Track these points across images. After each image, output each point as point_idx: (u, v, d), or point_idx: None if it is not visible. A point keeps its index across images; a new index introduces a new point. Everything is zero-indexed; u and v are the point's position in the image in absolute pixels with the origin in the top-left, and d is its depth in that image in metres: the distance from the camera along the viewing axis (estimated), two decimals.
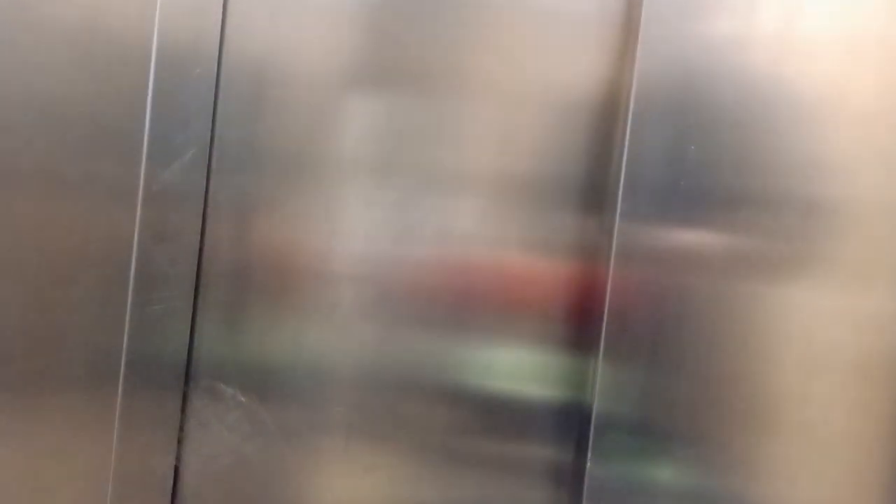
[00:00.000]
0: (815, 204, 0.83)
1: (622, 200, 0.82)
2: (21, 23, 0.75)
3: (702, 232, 0.83)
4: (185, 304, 0.81)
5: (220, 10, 0.79)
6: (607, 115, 0.85)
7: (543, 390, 0.86)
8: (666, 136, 0.82)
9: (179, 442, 0.82)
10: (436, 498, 0.86)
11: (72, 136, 0.77)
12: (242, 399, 0.83)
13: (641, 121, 0.82)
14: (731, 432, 0.84)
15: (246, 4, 0.81)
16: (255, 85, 0.82)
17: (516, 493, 0.87)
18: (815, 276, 0.84)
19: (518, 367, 0.86)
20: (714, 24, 0.82)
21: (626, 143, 0.82)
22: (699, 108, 0.82)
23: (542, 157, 0.85)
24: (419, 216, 0.84)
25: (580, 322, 0.86)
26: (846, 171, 0.83)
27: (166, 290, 0.80)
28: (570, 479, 0.86)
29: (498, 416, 0.86)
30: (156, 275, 0.80)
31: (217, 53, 0.80)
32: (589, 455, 0.83)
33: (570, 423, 0.86)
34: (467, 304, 0.85)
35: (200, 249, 0.81)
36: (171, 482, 0.82)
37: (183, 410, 0.82)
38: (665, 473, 0.84)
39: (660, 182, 0.82)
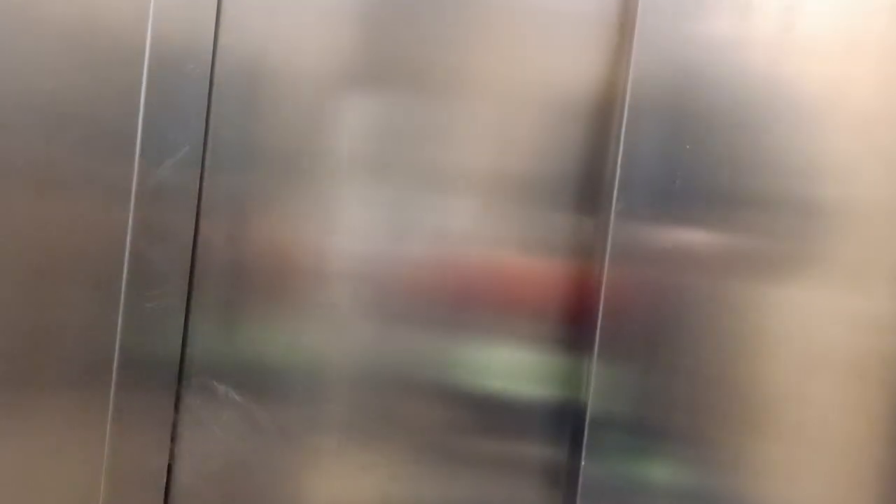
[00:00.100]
0: (812, 204, 0.83)
1: (617, 200, 0.82)
2: (14, 20, 0.75)
3: (697, 231, 0.83)
4: (178, 301, 0.81)
5: (215, 6, 0.79)
6: (603, 114, 0.85)
7: (538, 389, 0.86)
8: (661, 135, 0.82)
9: (173, 440, 0.82)
10: (431, 497, 0.86)
11: (65, 133, 0.77)
12: (236, 397, 0.83)
13: (637, 120, 0.82)
14: (726, 432, 0.84)
15: (240, 1, 0.80)
16: (249, 82, 0.81)
17: (511, 492, 0.87)
18: (811, 277, 0.84)
19: (513, 367, 0.86)
20: (710, 23, 0.82)
21: (622, 142, 0.82)
22: (695, 108, 0.82)
23: (537, 156, 0.85)
24: (414, 215, 0.84)
25: (575, 321, 0.86)
26: (843, 170, 0.83)
27: (160, 287, 0.80)
28: (565, 478, 0.86)
29: (493, 415, 0.86)
30: (149, 272, 0.79)
31: (211, 50, 0.79)
32: (583, 454, 0.83)
33: (565, 422, 0.86)
34: (463, 304, 0.85)
35: (194, 247, 0.81)
36: (165, 481, 0.82)
37: (176, 409, 0.82)
38: (660, 473, 0.84)
39: (655, 181, 0.82)
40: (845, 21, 0.83)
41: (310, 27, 0.82)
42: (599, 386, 0.83)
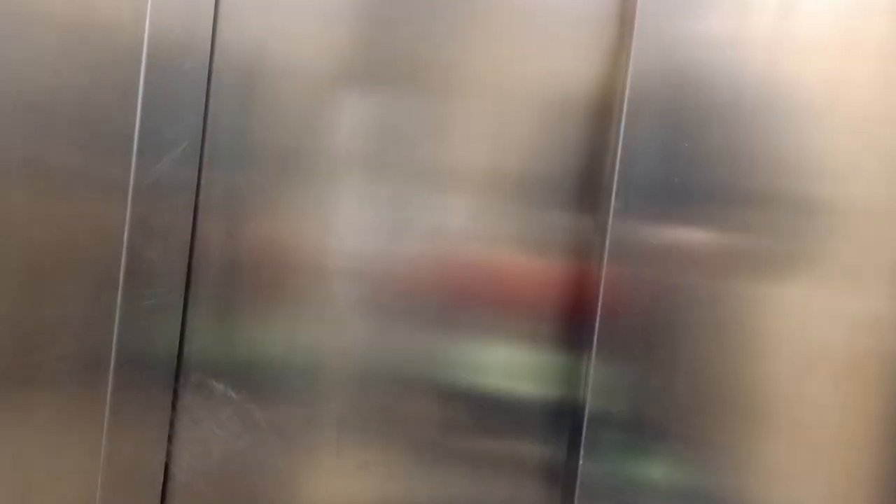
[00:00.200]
0: (811, 203, 0.83)
1: (616, 198, 0.82)
2: (11, 16, 0.74)
3: (695, 230, 0.83)
4: (176, 299, 0.80)
5: (212, 3, 0.79)
6: (601, 112, 0.85)
7: (536, 388, 0.86)
8: (660, 133, 0.82)
9: (170, 439, 0.82)
10: (429, 496, 0.86)
11: (62, 130, 0.76)
12: (234, 395, 0.83)
13: (635, 118, 0.82)
14: (724, 431, 0.84)
15: None
16: (246, 79, 0.81)
17: (509, 490, 0.87)
18: (808, 276, 0.84)
19: (511, 365, 0.86)
20: (709, 21, 0.82)
21: (620, 140, 0.82)
22: (693, 106, 0.82)
23: (536, 154, 0.85)
24: (411, 213, 0.84)
25: (573, 320, 0.86)
26: (842, 169, 0.83)
27: (157, 285, 0.80)
28: (563, 476, 0.86)
29: (491, 413, 0.86)
30: (146, 270, 0.79)
31: (209, 47, 0.79)
32: (582, 453, 0.83)
33: (563, 420, 0.86)
34: (461, 302, 0.85)
35: (192, 244, 0.81)
36: (162, 479, 0.82)
37: (174, 407, 0.82)
38: (658, 471, 0.84)
39: (653, 180, 0.82)
40: (843, 20, 0.83)
41: (308, 24, 0.82)
42: (598, 385, 0.83)
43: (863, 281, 0.84)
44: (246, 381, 0.83)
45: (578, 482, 0.83)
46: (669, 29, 0.82)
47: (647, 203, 0.82)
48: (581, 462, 0.83)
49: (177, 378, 0.82)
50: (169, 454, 0.82)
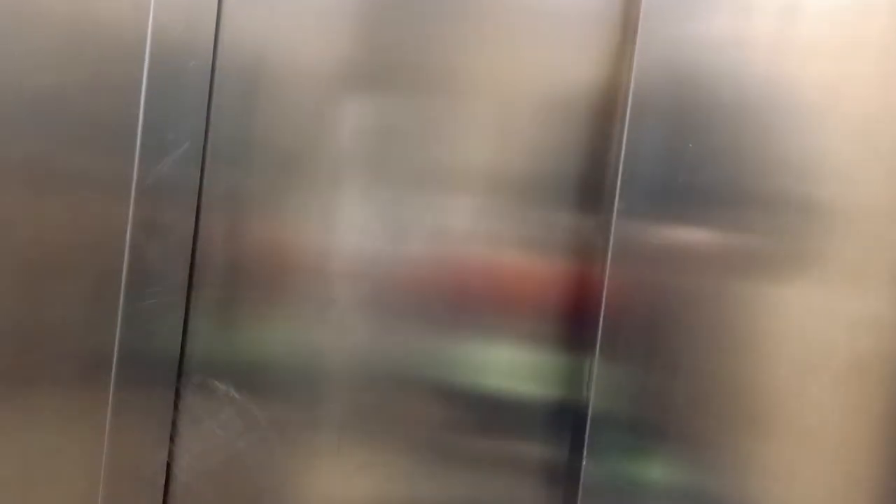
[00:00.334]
0: (813, 203, 0.83)
1: (619, 199, 0.82)
2: (13, 14, 0.74)
3: (699, 231, 0.83)
4: (177, 299, 0.80)
5: (216, 2, 0.79)
6: (605, 112, 0.85)
7: (539, 388, 0.86)
8: (663, 134, 0.82)
9: (172, 439, 0.82)
10: (431, 496, 0.86)
11: (64, 129, 0.76)
12: (235, 396, 0.83)
13: (639, 119, 0.82)
14: (727, 431, 0.84)
15: None
16: (250, 79, 0.81)
17: (512, 491, 0.87)
18: (811, 276, 0.84)
19: (514, 366, 0.86)
20: (712, 22, 0.82)
21: (624, 141, 0.82)
22: (697, 107, 0.82)
23: (539, 155, 0.85)
24: (415, 213, 0.84)
25: (577, 320, 0.86)
26: (843, 170, 0.83)
27: (159, 285, 0.79)
28: (566, 477, 0.86)
29: (494, 414, 0.86)
30: (149, 270, 0.79)
31: (212, 47, 0.79)
32: (585, 453, 0.83)
33: (566, 421, 0.86)
34: (463, 302, 0.85)
35: (194, 244, 0.81)
36: (164, 479, 0.82)
37: (175, 407, 0.82)
38: (660, 472, 0.84)
39: (657, 180, 0.82)
40: (846, 21, 0.83)
41: (311, 24, 0.81)
42: (601, 385, 0.83)
43: (865, 281, 0.84)
44: (248, 381, 0.83)
45: (581, 482, 0.83)
46: (673, 30, 0.82)
47: (651, 203, 0.82)
48: (584, 462, 0.83)
49: (179, 378, 0.81)
50: (171, 454, 0.82)
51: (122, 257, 0.78)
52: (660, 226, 0.83)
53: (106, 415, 0.79)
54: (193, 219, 0.80)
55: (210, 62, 0.79)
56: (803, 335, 0.84)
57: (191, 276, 0.81)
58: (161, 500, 0.82)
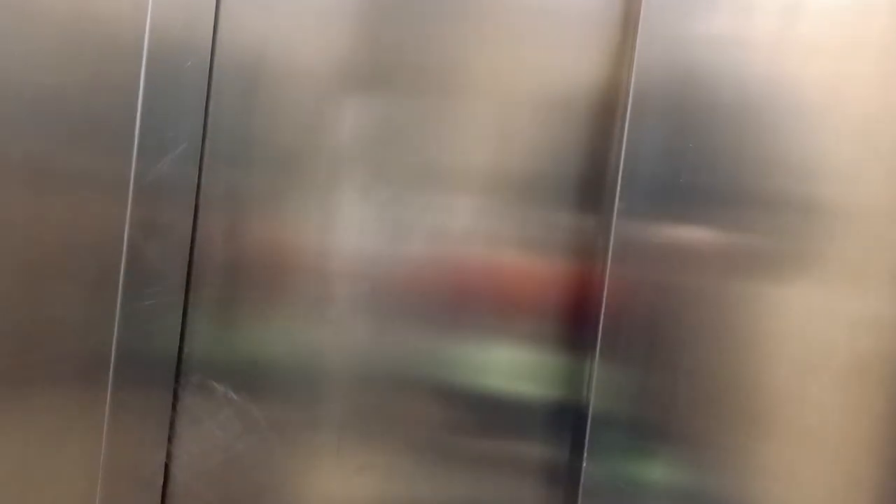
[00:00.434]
0: (813, 203, 0.83)
1: (620, 199, 0.82)
2: (10, 13, 0.74)
3: (699, 231, 0.83)
4: (176, 299, 0.80)
5: (214, 1, 0.78)
6: (605, 112, 0.84)
7: (540, 389, 0.86)
8: (664, 133, 0.82)
9: (170, 439, 0.82)
10: (431, 497, 0.86)
11: (62, 128, 0.76)
12: (234, 396, 0.83)
13: (640, 118, 0.82)
14: (728, 432, 0.84)
15: None
16: (248, 78, 0.81)
17: (512, 492, 0.87)
18: (812, 276, 0.84)
19: (514, 366, 0.86)
20: (713, 22, 0.82)
21: (624, 140, 0.82)
22: (698, 107, 0.82)
23: (539, 154, 0.85)
24: (414, 213, 0.84)
25: (577, 320, 0.85)
26: (844, 170, 0.83)
27: (157, 285, 0.79)
28: (567, 478, 0.86)
29: (494, 414, 0.86)
30: (146, 270, 0.79)
31: (210, 45, 0.79)
32: (585, 454, 0.83)
33: (567, 421, 0.86)
34: (464, 303, 0.85)
35: (192, 244, 0.80)
36: (162, 480, 0.81)
37: (174, 407, 0.81)
38: (661, 473, 0.84)
39: (658, 180, 0.82)
40: (847, 20, 0.83)
41: (309, 23, 0.81)
42: (601, 386, 0.83)
43: (865, 281, 0.84)
44: (246, 382, 0.83)
45: (582, 483, 0.83)
46: (673, 29, 0.82)
47: (651, 203, 0.82)
48: (584, 463, 0.83)
49: (177, 378, 0.81)
50: (169, 454, 0.82)
51: (120, 257, 0.78)
52: (660, 226, 0.82)
53: (104, 415, 0.79)
54: (192, 218, 0.80)
55: (208, 61, 0.79)
56: (804, 335, 0.84)
57: (189, 276, 0.80)
58: (159, 501, 0.81)
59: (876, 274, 0.84)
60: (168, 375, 0.81)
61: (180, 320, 0.80)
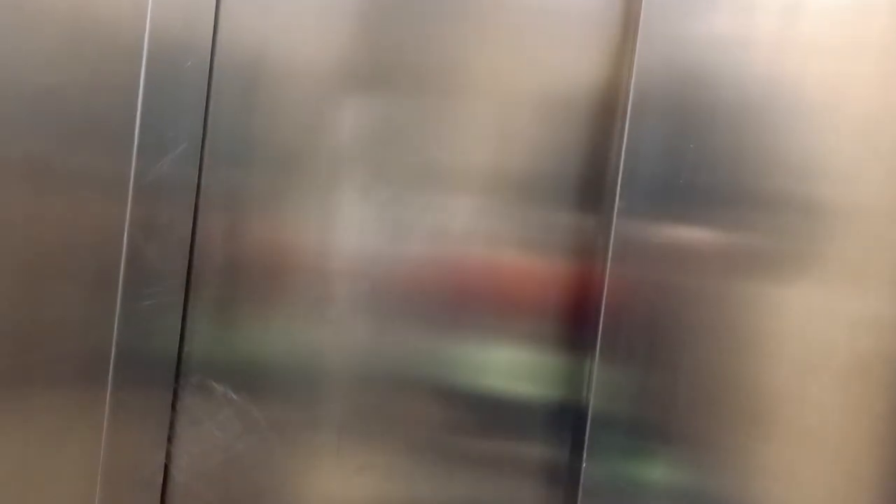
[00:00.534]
0: (814, 204, 0.83)
1: (620, 198, 0.82)
2: (10, 13, 0.74)
3: (700, 231, 0.83)
4: (175, 299, 0.80)
5: (214, 0, 0.78)
6: (606, 112, 0.84)
7: (539, 389, 0.86)
8: (664, 133, 0.82)
9: (169, 440, 0.81)
10: (431, 497, 0.86)
11: (61, 128, 0.76)
12: (234, 396, 0.83)
13: (640, 118, 0.81)
14: (728, 432, 0.84)
15: None
16: (248, 77, 0.81)
17: (512, 492, 0.86)
18: (812, 276, 0.84)
19: (514, 366, 0.86)
20: (714, 22, 0.82)
21: (625, 140, 0.82)
22: (698, 107, 0.82)
23: (539, 154, 0.84)
24: (414, 213, 0.84)
25: (577, 320, 0.85)
26: (844, 170, 0.83)
27: (157, 285, 0.79)
28: (566, 478, 0.86)
29: (493, 415, 0.86)
30: (146, 270, 0.79)
31: (210, 45, 0.79)
32: (585, 454, 0.83)
33: (566, 422, 0.86)
34: (464, 303, 0.84)
35: (192, 244, 0.80)
36: (161, 480, 0.81)
37: (173, 408, 0.81)
38: (661, 473, 0.84)
39: (658, 180, 0.82)
40: (847, 20, 0.83)
41: (309, 23, 0.81)
42: (601, 386, 0.83)
43: (865, 281, 0.84)
44: (246, 382, 0.83)
45: (581, 484, 0.83)
46: (674, 29, 0.82)
47: (652, 203, 0.82)
48: (584, 464, 0.82)
49: (177, 378, 0.81)
50: (168, 455, 0.82)
51: (120, 257, 0.78)
52: (660, 225, 0.82)
53: (103, 415, 0.78)
54: (191, 218, 0.80)
55: (208, 61, 0.79)
56: (804, 335, 0.84)
57: (189, 275, 0.80)
58: (158, 501, 0.81)
59: (876, 274, 0.84)
60: (168, 375, 0.80)
61: (180, 320, 0.80)
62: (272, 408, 0.83)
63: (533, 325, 0.85)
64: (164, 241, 0.79)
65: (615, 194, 0.82)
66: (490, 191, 0.84)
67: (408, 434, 0.85)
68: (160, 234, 0.79)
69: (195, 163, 0.79)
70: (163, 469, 0.81)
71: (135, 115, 0.77)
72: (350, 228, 0.83)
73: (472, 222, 0.84)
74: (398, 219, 0.83)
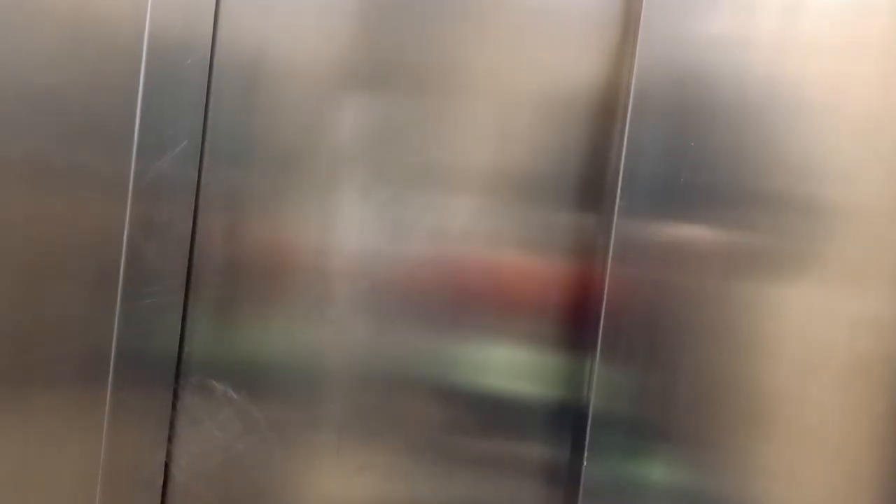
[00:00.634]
0: (814, 203, 0.83)
1: (620, 198, 0.82)
2: (9, 12, 0.73)
3: (700, 230, 0.83)
4: (175, 299, 0.80)
5: None
6: (606, 112, 0.84)
7: (540, 389, 0.86)
8: (665, 133, 0.82)
9: (170, 439, 0.81)
10: (431, 497, 0.86)
11: (61, 127, 0.75)
12: (234, 396, 0.82)
13: (640, 117, 0.81)
14: (728, 432, 0.84)
15: None
16: (248, 76, 0.80)
17: (513, 492, 0.86)
18: (812, 276, 0.84)
19: (514, 366, 0.86)
20: (714, 21, 0.82)
21: (625, 140, 0.82)
22: (698, 106, 0.82)
23: (540, 154, 0.84)
24: (414, 213, 0.83)
25: (577, 320, 0.85)
26: (845, 170, 0.83)
27: (157, 284, 0.79)
28: (567, 477, 0.86)
29: (494, 414, 0.86)
30: (146, 269, 0.78)
31: (210, 44, 0.78)
32: (585, 454, 0.83)
33: (567, 421, 0.86)
34: (463, 302, 0.84)
35: (192, 243, 0.80)
36: (162, 480, 0.81)
37: (173, 407, 0.81)
38: (662, 473, 0.84)
39: (658, 180, 0.82)
40: (847, 20, 0.83)
41: (309, 21, 0.81)
42: (602, 385, 0.83)
43: (865, 281, 0.84)
44: (246, 382, 0.83)
45: (582, 483, 0.83)
46: (674, 28, 0.82)
47: (652, 203, 0.82)
48: (585, 463, 0.83)
49: (177, 378, 0.81)
50: (169, 455, 0.82)
51: (120, 256, 0.78)
52: (661, 225, 0.82)
53: (103, 415, 0.78)
54: (191, 217, 0.80)
55: (208, 59, 0.78)
56: (804, 335, 0.84)
57: (189, 275, 0.80)
58: (159, 501, 0.81)
59: (876, 274, 0.84)
60: (168, 375, 0.80)
61: (180, 320, 0.80)
62: (272, 407, 0.83)
63: (533, 325, 0.85)
64: (163, 241, 0.79)
65: (615, 194, 0.82)
66: (490, 191, 0.84)
67: (408, 434, 0.85)
68: (160, 233, 0.78)
69: (195, 162, 0.79)
70: (163, 469, 0.81)
71: (134, 114, 0.77)
72: (350, 228, 0.83)
73: (472, 222, 0.84)
74: (397, 218, 0.83)
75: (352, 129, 0.83)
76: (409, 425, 0.85)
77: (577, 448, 0.84)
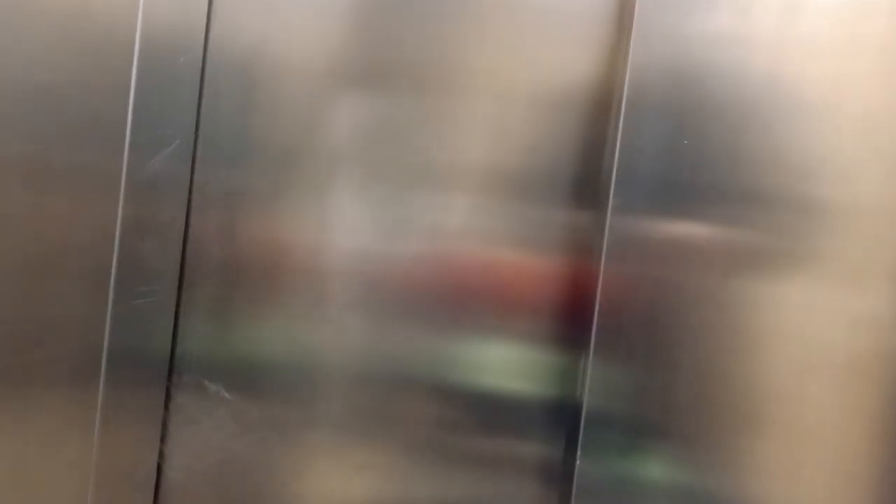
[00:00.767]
0: (812, 201, 0.83)
1: (614, 196, 0.82)
2: (2, 11, 0.74)
3: (695, 227, 0.82)
4: (168, 298, 0.80)
5: None
6: (600, 109, 0.84)
7: (534, 387, 0.86)
8: (659, 131, 0.82)
9: (163, 439, 0.81)
10: (426, 495, 0.86)
11: (53, 126, 0.75)
12: (227, 396, 0.82)
13: (634, 115, 0.81)
14: (723, 430, 0.84)
15: None
16: (241, 74, 0.80)
17: (506, 490, 0.86)
18: (808, 274, 0.83)
19: (508, 364, 0.85)
20: (708, 19, 0.82)
21: (619, 138, 0.81)
22: (693, 104, 0.82)
23: (534, 151, 0.84)
24: (409, 211, 0.83)
25: (571, 318, 0.85)
26: (843, 169, 0.83)
27: (150, 283, 0.79)
28: (560, 476, 0.86)
29: (488, 413, 0.85)
30: (139, 268, 0.78)
31: (203, 42, 0.78)
32: (579, 452, 0.82)
33: (561, 420, 0.86)
34: (458, 301, 0.84)
35: (185, 242, 0.80)
36: (155, 480, 0.81)
37: (166, 407, 0.81)
38: (655, 471, 0.84)
39: (653, 177, 0.82)
40: (846, 19, 0.83)
41: (304, 19, 0.81)
42: (595, 383, 0.82)
43: (864, 280, 0.83)
44: (240, 381, 0.83)
45: (575, 482, 0.82)
46: (669, 26, 0.81)
47: (646, 200, 0.82)
48: (578, 462, 0.82)
49: (170, 377, 0.81)
50: (162, 454, 0.81)
51: (112, 255, 0.78)
52: (655, 222, 0.82)
53: (96, 415, 0.78)
54: (184, 216, 0.80)
55: (201, 58, 0.79)
56: (802, 334, 0.84)
57: (182, 274, 0.80)
58: (152, 501, 0.81)
59: (875, 273, 0.84)
60: (161, 375, 0.80)
61: (173, 319, 0.80)
62: (265, 407, 0.83)
63: (528, 323, 0.85)
64: (156, 239, 0.79)
65: (609, 191, 0.82)
66: (486, 188, 0.84)
67: (402, 432, 0.85)
68: (153, 231, 0.78)
69: (188, 160, 0.79)
70: (156, 469, 0.81)
71: (127, 113, 0.77)
72: (344, 226, 0.83)
73: (467, 220, 0.84)
74: (393, 217, 0.83)
75: (346, 128, 0.83)
76: (403, 424, 0.85)
77: (571, 446, 0.84)
